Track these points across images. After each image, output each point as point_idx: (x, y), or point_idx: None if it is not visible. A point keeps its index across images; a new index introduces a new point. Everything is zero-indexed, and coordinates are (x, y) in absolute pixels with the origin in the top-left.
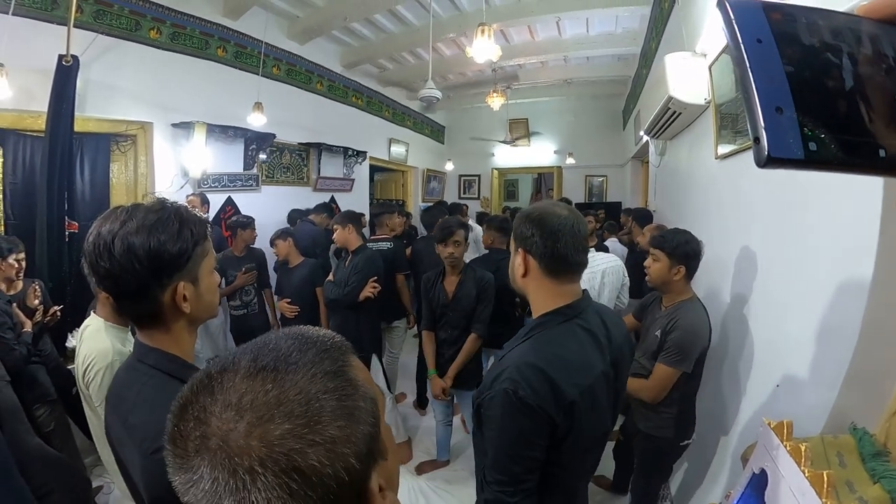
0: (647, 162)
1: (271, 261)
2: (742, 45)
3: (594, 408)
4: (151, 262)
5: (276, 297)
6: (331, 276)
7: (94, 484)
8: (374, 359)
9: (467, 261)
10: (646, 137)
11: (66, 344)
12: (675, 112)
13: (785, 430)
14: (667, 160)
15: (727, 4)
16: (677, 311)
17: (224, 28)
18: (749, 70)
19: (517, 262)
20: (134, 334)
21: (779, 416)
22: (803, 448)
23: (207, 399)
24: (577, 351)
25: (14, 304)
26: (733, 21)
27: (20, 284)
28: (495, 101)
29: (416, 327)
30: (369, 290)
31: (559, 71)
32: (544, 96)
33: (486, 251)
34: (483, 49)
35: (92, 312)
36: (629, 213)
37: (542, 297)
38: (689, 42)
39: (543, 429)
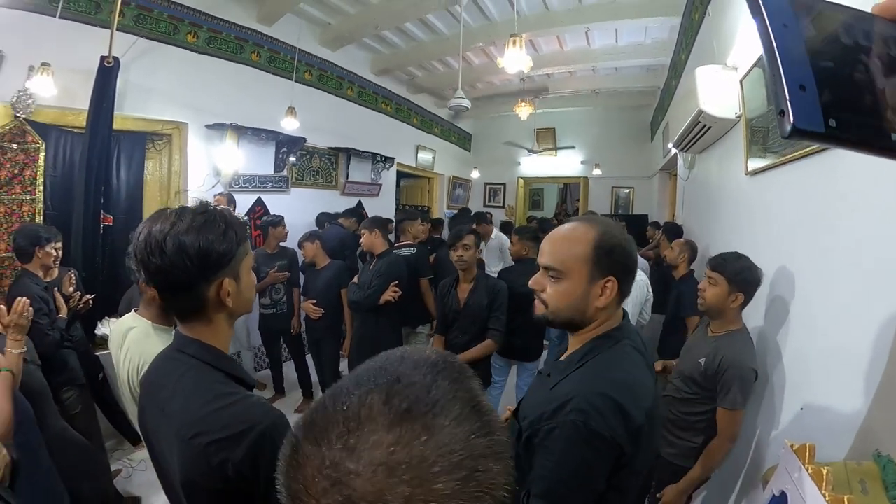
0: (676, 175)
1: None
2: (770, 28)
3: (653, 428)
4: (200, 260)
5: (301, 298)
6: (355, 279)
7: (113, 468)
8: None
9: (496, 271)
10: (674, 150)
11: (96, 331)
12: (705, 126)
13: (807, 454)
14: (695, 174)
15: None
16: (727, 341)
17: (258, 34)
18: (776, 50)
19: (603, 291)
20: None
21: (802, 440)
22: (825, 472)
23: (343, 455)
24: (634, 373)
25: (51, 290)
26: (762, 6)
27: (56, 272)
28: (523, 111)
29: None
30: (390, 293)
31: (587, 81)
32: (572, 106)
33: (514, 261)
34: (514, 60)
35: (134, 312)
36: (657, 226)
37: (604, 322)
38: (720, 55)
39: (611, 458)
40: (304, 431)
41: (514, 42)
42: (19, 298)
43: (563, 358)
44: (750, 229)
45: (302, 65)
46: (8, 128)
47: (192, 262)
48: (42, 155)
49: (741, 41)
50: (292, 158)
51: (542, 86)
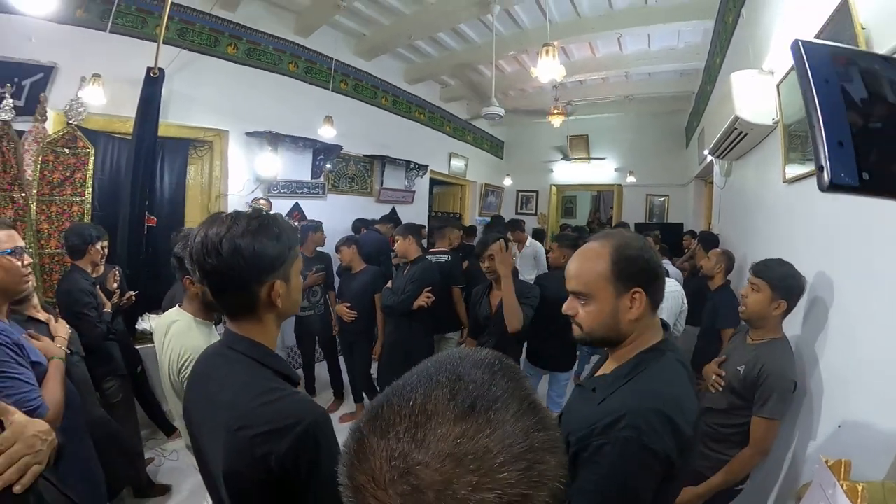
0: (712, 182)
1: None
2: (813, 86)
3: (696, 439)
4: (254, 262)
5: (336, 301)
6: (389, 284)
7: (147, 456)
8: None
9: (531, 278)
10: (710, 157)
11: (137, 326)
12: (741, 132)
13: (843, 470)
14: (732, 181)
15: (801, 46)
16: (768, 350)
17: (296, 45)
18: (818, 109)
19: (632, 304)
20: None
21: (838, 457)
22: (860, 489)
23: (412, 446)
24: (681, 386)
25: (97, 286)
26: (806, 63)
27: (101, 269)
28: (556, 119)
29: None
30: (423, 299)
31: (620, 87)
32: (605, 112)
33: (553, 269)
34: (548, 69)
35: (178, 307)
36: (694, 235)
37: (641, 335)
38: (756, 59)
39: (660, 474)
40: (370, 425)
41: (548, 51)
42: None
43: (606, 372)
44: (788, 238)
45: (338, 75)
46: (61, 133)
47: (246, 264)
48: (91, 159)
49: (777, 45)
50: (329, 165)
51: (574, 91)
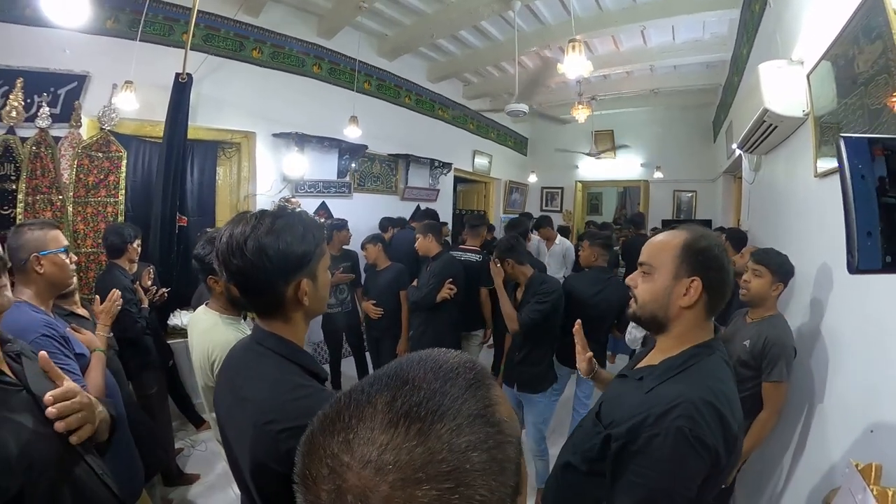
0: (741, 177)
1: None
2: (850, 182)
3: (741, 438)
4: (280, 261)
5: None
6: (415, 282)
7: (176, 446)
8: None
9: (560, 276)
10: (738, 151)
11: (168, 321)
12: (770, 125)
13: (873, 474)
14: (761, 176)
15: (842, 142)
16: (768, 324)
17: (319, 47)
18: (854, 204)
19: (687, 291)
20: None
21: (869, 461)
22: (890, 493)
23: (342, 447)
24: (729, 384)
25: (135, 283)
26: (845, 159)
27: (136, 267)
28: (580, 114)
29: (490, 339)
30: (446, 291)
31: (645, 81)
32: (630, 107)
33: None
34: (575, 64)
35: (205, 306)
36: (723, 232)
37: (691, 329)
38: (785, 48)
39: (708, 467)
40: (319, 421)
41: (574, 47)
42: (114, 290)
43: (653, 363)
44: (819, 235)
45: (361, 75)
46: (95, 138)
47: (271, 264)
48: (124, 162)
49: (807, 33)
50: (354, 165)
51: (598, 86)
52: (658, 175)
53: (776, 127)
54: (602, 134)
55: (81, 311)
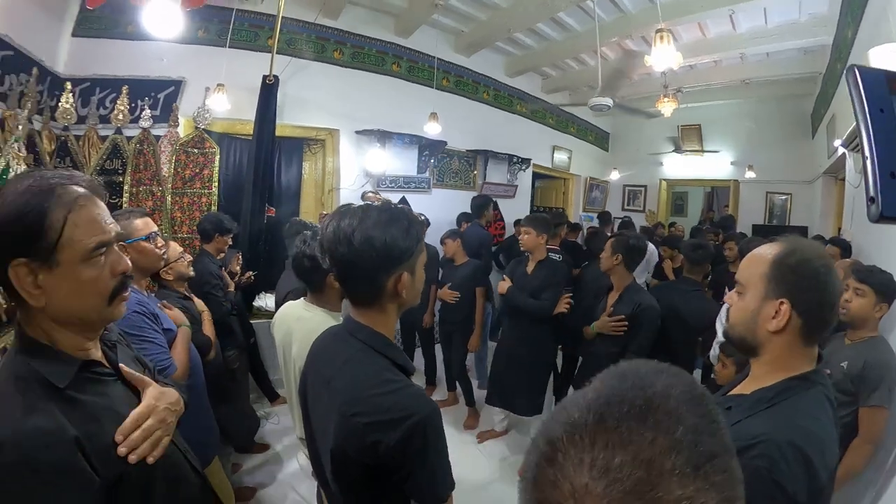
0: (843, 179)
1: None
2: (867, 114)
3: (831, 488)
4: (385, 253)
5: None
6: (507, 280)
7: None
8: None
9: (642, 281)
10: (842, 149)
11: (254, 303)
12: None
13: None
14: None
15: (857, 71)
16: (867, 346)
17: (397, 46)
18: (871, 138)
19: (776, 314)
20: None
21: None
22: None
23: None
24: (826, 426)
25: (222, 268)
26: (861, 89)
27: (225, 254)
28: (666, 107)
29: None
30: (564, 305)
31: (735, 70)
32: (719, 99)
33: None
34: (663, 56)
35: (303, 300)
36: (822, 242)
37: (785, 357)
38: None
39: None
40: (568, 434)
41: (662, 37)
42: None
43: (745, 392)
44: None
45: (439, 72)
46: (190, 136)
47: (377, 255)
48: (217, 158)
49: None
50: (433, 160)
51: (683, 80)
52: (749, 175)
53: None
54: (688, 129)
55: (189, 294)
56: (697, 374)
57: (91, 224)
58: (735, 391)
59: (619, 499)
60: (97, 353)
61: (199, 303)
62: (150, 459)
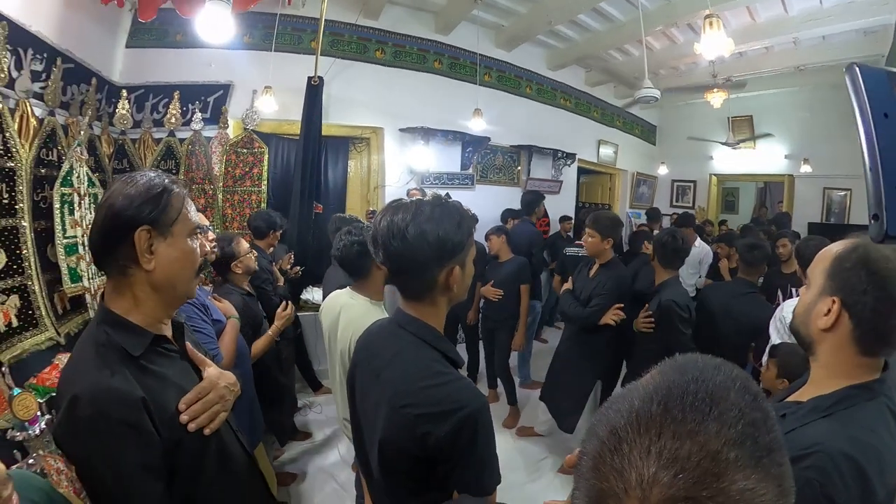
0: None
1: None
2: (871, 119)
3: None
4: (438, 246)
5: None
6: (569, 283)
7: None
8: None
9: (691, 285)
10: None
11: (302, 296)
12: None
13: None
14: None
15: (857, 71)
16: None
17: (438, 43)
18: (875, 145)
19: (826, 311)
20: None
21: None
22: None
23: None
24: (888, 440)
25: (272, 263)
26: (863, 91)
27: (273, 248)
28: (715, 98)
29: None
30: (612, 316)
31: (788, 56)
32: (771, 88)
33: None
34: (713, 44)
35: (349, 289)
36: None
37: (842, 363)
38: None
39: None
40: (641, 419)
41: (711, 23)
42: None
43: (801, 399)
44: None
45: (481, 68)
46: (240, 137)
47: (430, 248)
48: (266, 157)
49: None
50: (476, 157)
51: (732, 68)
52: (805, 169)
53: None
54: (739, 120)
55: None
56: None
57: (193, 211)
58: (792, 398)
59: (686, 487)
60: (168, 331)
61: (228, 307)
62: (207, 430)
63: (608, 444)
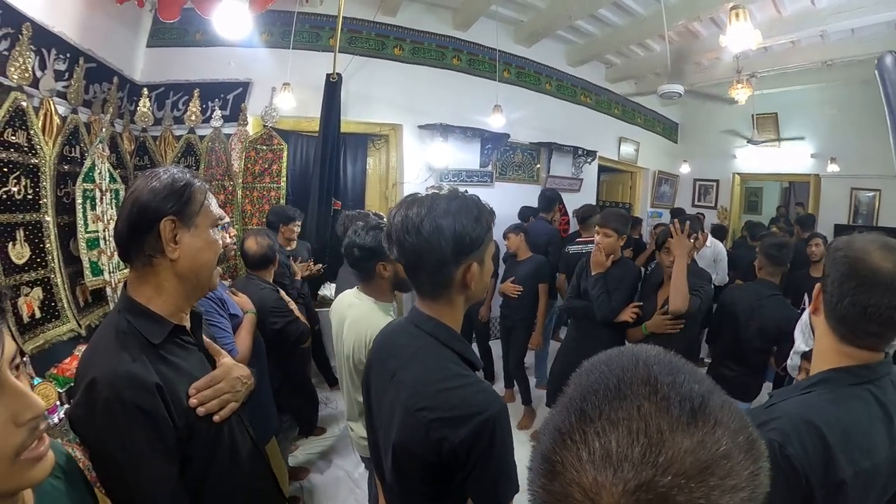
0: None
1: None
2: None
3: (863, 500)
4: (455, 242)
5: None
6: (559, 276)
7: None
8: None
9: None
10: None
11: (319, 291)
12: None
13: None
14: None
15: (888, 61)
16: None
17: (456, 39)
18: None
19: (817, 294)
20: None
21: None
22: None
23: (653, 472)
24: (863, 423)
25: (291, 259)
26: (894, 82)
27: (295, 244)
28: (739, 94)
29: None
30: (630, 313)
31: (815, 51)
32: (797, 84)
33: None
34: (739, 36)
35: (356, 290)
36: None
37: (825, 349)
38: None
39: (796, 494)
40: (593, 459)
41: (737, 14)
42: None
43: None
44: None
45: (500, 64)
46: (259, 134)
47: (446, 244)
48: (285, 154)
49: None
50: (496, 154)
51: (757, 64)
52: (833, 168)
53: None
54: (764, 118)
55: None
56: (768, 386)
57: (215, 204)
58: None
59: (632, 476)
60: (187, 323)
61: (245, 301)
62: (217, 418)
63: (545, 473)
